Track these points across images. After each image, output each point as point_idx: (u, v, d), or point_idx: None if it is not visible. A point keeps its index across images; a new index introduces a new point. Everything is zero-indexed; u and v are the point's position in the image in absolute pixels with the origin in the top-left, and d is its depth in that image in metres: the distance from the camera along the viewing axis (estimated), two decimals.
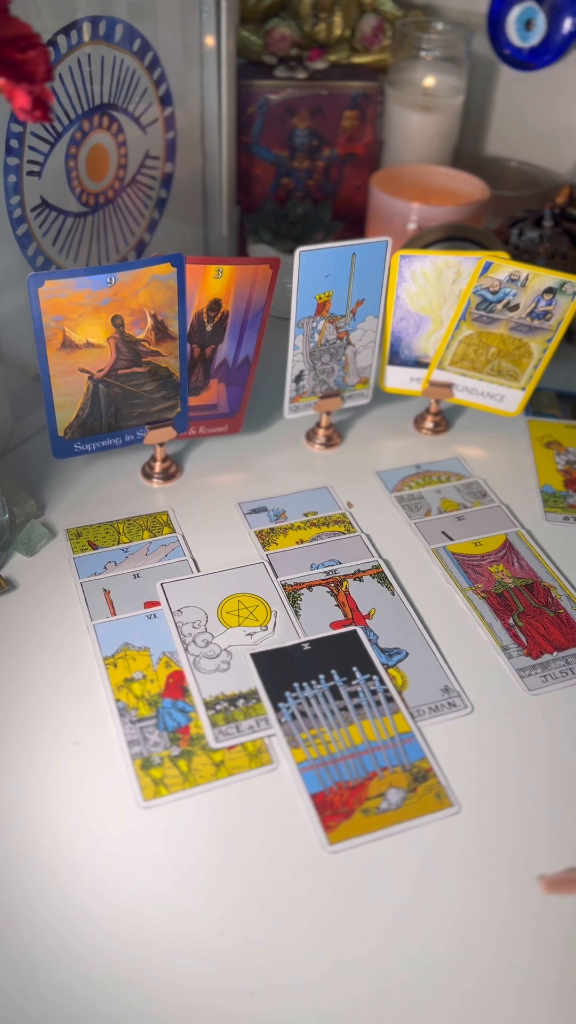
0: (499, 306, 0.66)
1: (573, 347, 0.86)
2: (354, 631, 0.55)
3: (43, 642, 0.55)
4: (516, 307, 0.65)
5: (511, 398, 0.71)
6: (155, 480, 0.68)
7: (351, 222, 0.95)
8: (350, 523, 0.64)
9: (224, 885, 0.44)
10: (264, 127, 0.89)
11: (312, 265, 0.61)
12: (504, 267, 0.64)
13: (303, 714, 0.50)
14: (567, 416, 0.77)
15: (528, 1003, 0.40)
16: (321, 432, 0.72)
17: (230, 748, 0.49)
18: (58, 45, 0.62)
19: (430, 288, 0.66)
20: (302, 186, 0.93)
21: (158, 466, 0.68)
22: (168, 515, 0.64)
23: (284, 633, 0.55)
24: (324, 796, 0.47)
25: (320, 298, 0.63)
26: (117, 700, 0.51)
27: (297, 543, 0.62)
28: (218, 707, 0.51)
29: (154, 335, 0.59)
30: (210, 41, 0.76)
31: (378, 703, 0.51)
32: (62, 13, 0.61)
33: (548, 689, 0.53)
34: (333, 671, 0.53)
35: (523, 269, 0.64)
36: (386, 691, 0.52)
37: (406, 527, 0.65)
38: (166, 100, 0.75)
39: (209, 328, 0.62)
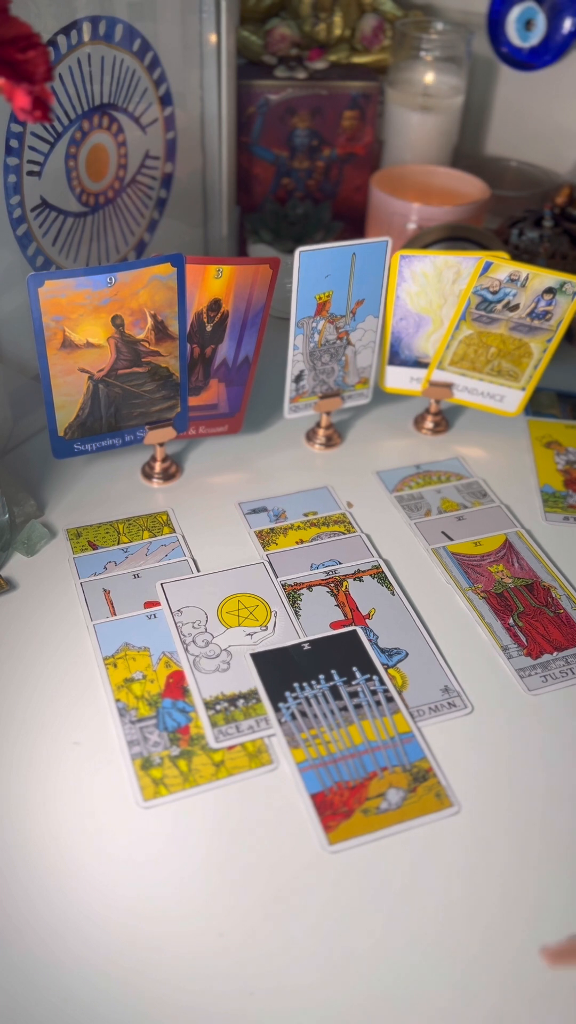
0: (499, 306, 0.66)
1: (573, 347, 0.86)
2: (354, 631, 0.55)
3: (43, 642, 0.55)
4: (516, 307, 0.65)
5: (511, 398, 0.71)
6: (155, 480, 0.68)
7: (351, 222, 0.95)
8: (350, 523, 0.64)
9: (224, 885, 0.44)
10: (264, 127, 0.89)
11: (312, 265, 0.61)
12: (504, 267, 0.64)
13: (303, 714, 0.50)
14: (567, 416, 0.77)
15: (529, 1003, 0.40)
16: (321, 432, 0.72)
17: (230, 748, 0.49)
18: (58, 45, 0.62)
19: (430, 288, 0.66)
20: (302, 186, 0.93)
21: (158, 466, 0.68)
22: (168, 515, 0.64)
23: (284, 633, 0.55)
24: (324, 796, 0.47)
25: (320, 298, 0.63)
26: (117, 700, 0.51)
27: (297, 543, 0.62)
28: (218, 707, 0.51)
29: (154, 335, 0.59)
30: (212, 39, 0.76)
31: (378, 703, 0.51)
32: (62, 13, 0.61)
33: (548, 689, 0.53)
34: (333, 671, 0.53)
35: (523, 269, 0.64)
36: (386, 691, 0.52)
37: (406, 527, 0.65)
38: (166, 100, 0.75)
39: (209, 328, 0.62)
